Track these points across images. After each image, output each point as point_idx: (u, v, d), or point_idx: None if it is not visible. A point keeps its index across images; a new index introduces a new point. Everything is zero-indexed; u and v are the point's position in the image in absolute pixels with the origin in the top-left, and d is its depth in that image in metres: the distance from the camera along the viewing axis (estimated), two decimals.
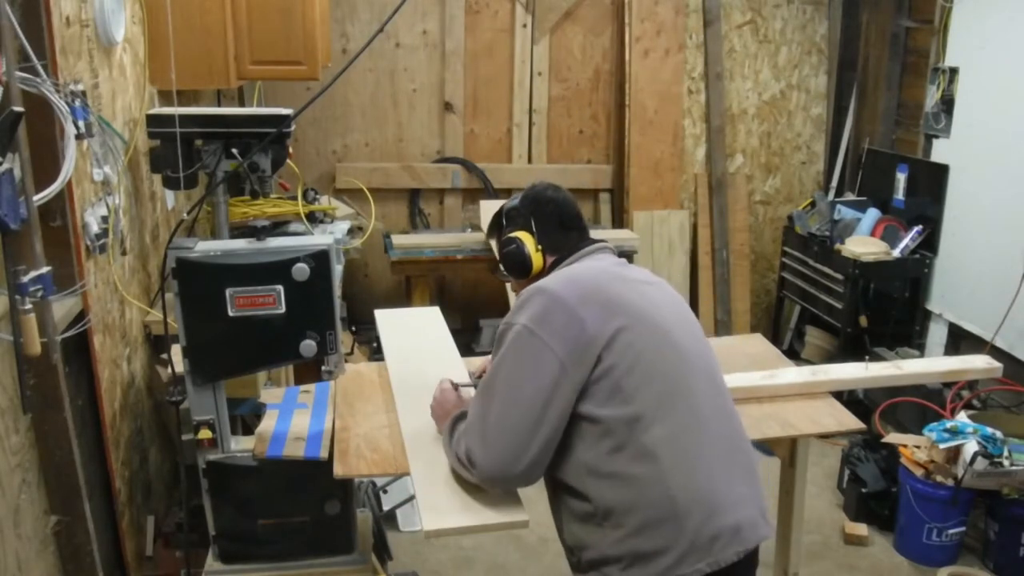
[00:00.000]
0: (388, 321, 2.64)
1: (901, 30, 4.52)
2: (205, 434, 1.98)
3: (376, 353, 4.00)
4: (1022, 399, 3.53)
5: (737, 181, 5.05)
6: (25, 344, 1.65)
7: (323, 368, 1.99)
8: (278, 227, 3.46)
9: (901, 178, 4.38)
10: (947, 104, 4.08)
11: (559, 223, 1.82)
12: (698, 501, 1.50)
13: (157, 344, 2.79)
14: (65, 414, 1.99)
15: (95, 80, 2.37)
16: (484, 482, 1.62)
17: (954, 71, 4.03)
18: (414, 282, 4.39)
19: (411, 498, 3.28)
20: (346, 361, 2.14)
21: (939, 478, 3.06)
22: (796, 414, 2.20)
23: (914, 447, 3.19)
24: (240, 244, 1.93)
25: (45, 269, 1.71)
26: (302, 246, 1.92)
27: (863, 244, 4.15)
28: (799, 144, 5.15)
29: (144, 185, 2.85)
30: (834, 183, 5.08)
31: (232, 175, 2.62)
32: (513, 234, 1.82)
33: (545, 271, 1.79)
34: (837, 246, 4.22)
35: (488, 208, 4.30)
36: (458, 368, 2.28)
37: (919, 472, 3.11)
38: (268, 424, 2.14)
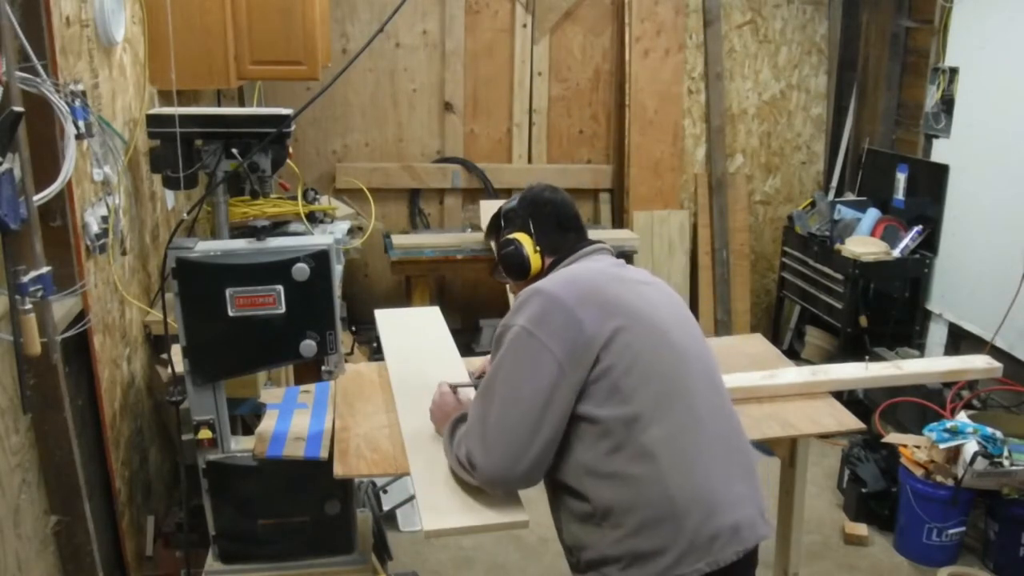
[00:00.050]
0: (388, 321, 2.64)
1: (901, 30, 4.52)
2: (205, 434, 1.98)
3: (376, 353, 4.00)
4: (1022, 399, 3.53)
5: (737, 181, 5.06)
6: (25, 344, 1.66)
7: (323, 368, 1.99)
8: (278, 227, 3.46)
9: (901, 178, 4.38)
10: (947, 104, 4.08)
11: (557, 224, 1.82)
12: (697, 501, 1.50)
13: (157, 344, 2.79)
14: (65, 414, 1.99)
15: (95, 80, 2.37)
16: (485, 485, 1.62)
17: (954, 71, 4.03)
18: (414, 282, 4.40)
19: (411, 498, 3.29)
20: (346, 361, 2.14)
21: (939, 478, 3.06)
22: (796, 414, 2.20)
23: (914, 447, 3.19)
24: (240, 244, 1.93)
25: (45, 269, 1.71)
26: (302, 246, 1.92)
27: (863, 244, 4.15)
28: (799, 144, 5.15)
29: (144, 185, 2.85)
30: (834, 183, 5.08)
31: (232, 175, 2.62)
32: (511, 236, 1.82)
33: (543, 272, 1.79)
34: (837, 246, 4.22)
35: (488, 208, 4.30)
36: (458, 368, 2.28)
37: (919, 472, 3.11)
38: (268, 424, 2.14)
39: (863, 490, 3.38)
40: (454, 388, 1.95)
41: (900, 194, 4.39)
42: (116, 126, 2.53)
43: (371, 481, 3.18)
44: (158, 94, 3.05)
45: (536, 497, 1.67)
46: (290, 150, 2.65)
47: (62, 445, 2.01)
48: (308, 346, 1.91)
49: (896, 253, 4.14)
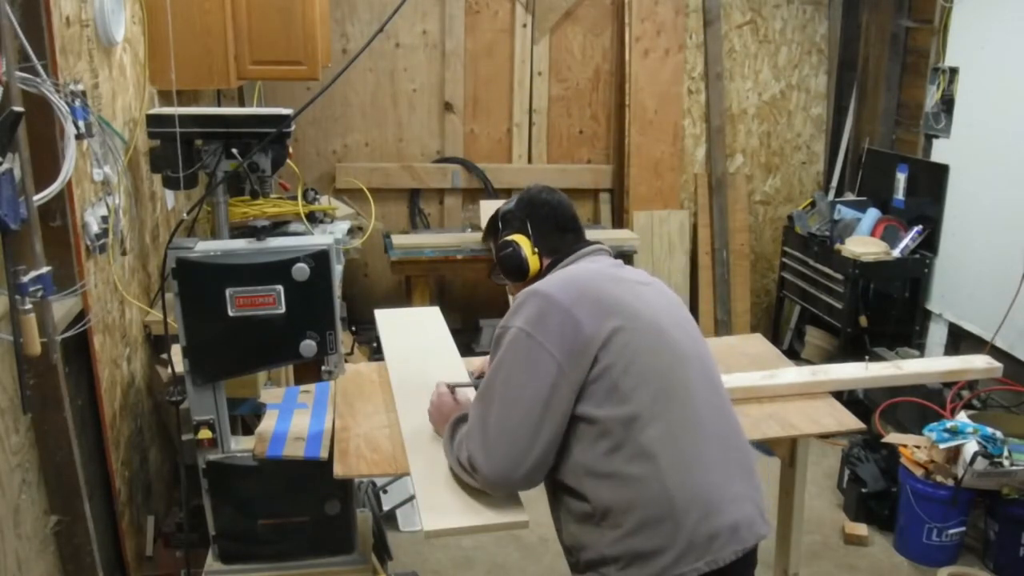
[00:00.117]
0: (388, 321, 2.64)
1: (901, 30, 4.52)
2: (205, 434, 1.98)
3: (376, 353, 3.99)
4: (1022, 399, 3.53)
5: (737, 181, 5.06)
6: (25, 344, 1.65)
7: (323, 368, 1.99)
8: (278, 227, 3.46)
9: (901, 178, 4.38)
10: (947, 104, 4.08)
11: (555, 225, 1.82)
12: (696, 500, 1.50)
13: (157, 344, 2.79)
14: (65, 414, 1.99)
15: (95, 80, 2.37)
16: (487, 487, 1.62)
17: (954, 71, 4.03)
18: (414, 282, 4.40)
19: (411, 498, 3.29)
20: (346, 361, 2.14)
21: (939, 478, 3.06)
22: (796, 414, 2.20)
23: (914, 447, 3.19)
24: (240, 244, 1.93)
25: (45, 269, 1.71)
26: (302, 246, 1.92)
27: (863, 244, 4.15)
28: (799, 144, 5.15)
29: (144, 185, 2.85)
30: (834, 183, 5.08)
31: (232, 175, 2.62)
32: (509, 237, 1.82)
33: (542, 273, 1.79)
34: (837, 246, 4.22)
35: (488, 208, 4.29)
36: (458, 368, 2.28)
37: (919, 472, 3.11)
38: (268, 424, 2.14)
39: (863, 490, 3.38)
40: (451, 388, 1.95)
41: (900, 194, 4.39)
42: (116, 126, 2.53)
43: (371, 481, 3.18)
44: (158, 94, 3.05)
45: (536, 497, 1.67)
46: (290, 150, 2.65)
47: (62, 445, 2.01)
48: (308, 346, 1.91)
49: (896, 253, 4.14)
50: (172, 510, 2.76)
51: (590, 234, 1.91)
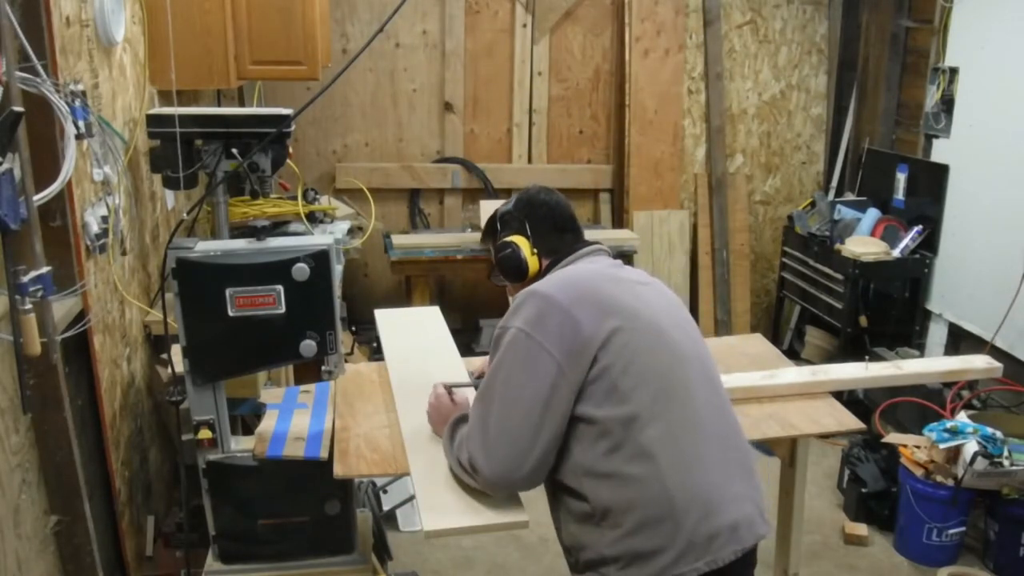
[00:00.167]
0: (388, 321, 2.64)
1: (901, 30, 4.52)
2: (205, 434, 1.98)
3: (376, 353, 4.00)
4: (1022, 399, 3.53)
5: (737, 181, 5.06)
6: (25, 344, 1.65)
7: (323, 368, 1.99)
8: (278, 227, 3.46)
9: (901, 178, 4.38)
10: (947, 104, 4.08)
11: (553, 226, 1.82)
12: (695, 500, 1.50)
13: (157, 344, 2.80)
14: (65, 414, 1.99)
15: (95, 80, 2.37)
16: (488, 488, 1.62)
17: (954, 71, 4.03)
18: (414, 282, 4.40)
19: (411, 498, 3.29)
20: (346, 361, 2.14)
21: (939, 478, 3.06)
22: (796, 414, 2.20)
23: (914, 447, 3.19)
24: (240, 244, 1.93)
25: (45, 269, 1.72)
26: (302, 246, 1.92)
27: (863, 244, 4.15)
28: (799, 144, 5.15)
29: (144, 185, 2.85)
30: (834, 183, 5.08)
31: (232, 175, 2.62)
32: (508, 238, 1.82)
33: (541, 274, 1.79)
34: (837, 246, 4.22)
35: (488, 208, 4.29)
36: (458, 368, 2.28)
37: (919, 472, 3.11)
38: (268, 424, 2.14)
39: (863, 490, 3.38)
40: (449, 389, 1.95)
41: (900, 194, 4.39)
42: (116, 126, 2.53)
43: (371, 481, 3.18)
44: (158, 94, 3.05)
45: (536, 497, 1.68)
46: (290, 150, 2.65)
47: (62, 445, 2.01)
48: (308, 346, 1.91)
49: (896, 253, 4.14)
50: (172, 510, 2.76)
51: (590, 234, 1.91)
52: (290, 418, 2.17)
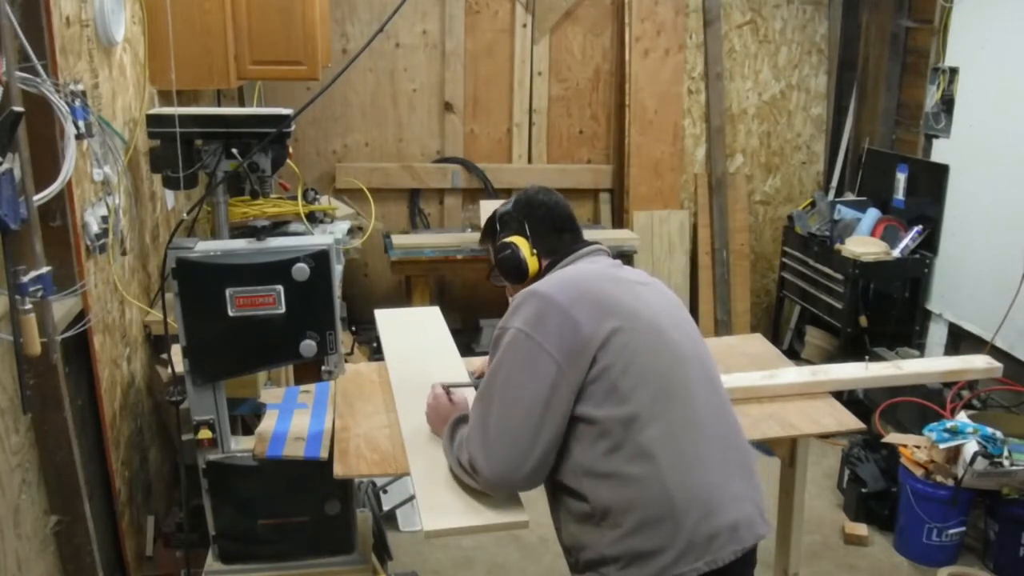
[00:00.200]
0: (388, 321, 2.64)
1: (901, 30, 4.52)
2: (205, 434, 1.98)
3: (376, 353, 4.00)
4: (1022, 399, 3.53)
5: (737, 181, 5.06)
6: (25, 344, 1.66)
7: (323, 368, 1.99)
8: (278, 227, 3.46)
9: (901, 178, 4.38)
10: (947, 104, 4.08)
11: (552, 226, 1.82)
12: (695, 500, 1.50)
13: (157, 344, 2.80)
14: (65, 414, 1.99)
15: (95, 80, 2.37)
16: (489, 488, 1.62)
17: (954, 71, 4.03)
18: (414, 282, 4.40)
19: (411, 498, 3.29)
20: (346, 361, 2.14)
21: (939, 478, 3.06)
22: (796, 414, 2.20)
23: (914, 447, 3.19)
24: (240, 244, 1.93)
25: (45, 269, 1.72)
26: (302, 246, 1.92)
27: (863, 244, 4.15)
28: (799, 144, 5.15)
29: (144, 185, 2.85)
30: (834, 183, 5.08)
31: (232, 175, 2.62)
32: (508, 239, 1.82)
33: (541, 274, 1.79)
34: (837, 246, 4.22)
35: (488, 208, 4.29)
36: (458, 368, 2.29)
37: (919, 472, 3.11)
38: (268, 424, 2.14)
39: (863, 490, 3.38)
40: (447, 389, 1.95)
41: (900, 194, 4.39)
42: (116, 126, 2.53)
43: (371, 481, 3.18)
44: (158, 94, 3.05)
45: (536, 497, 1.68)
46: (290, 150, 2.65)
47: (62, 445, 2.01)
48: (308, 346, 1.91)
49: (896, 253, 4.14)
50: (172, 510, 2.76)
51: (590, 234, 1.91)
52: (290, 418, 2.17)
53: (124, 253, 2.55)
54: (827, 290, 4.30)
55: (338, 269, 2.82)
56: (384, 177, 4.77)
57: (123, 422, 2.52)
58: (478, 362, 2.28)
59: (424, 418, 1.96)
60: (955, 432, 3.06)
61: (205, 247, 1.89)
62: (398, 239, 4.39)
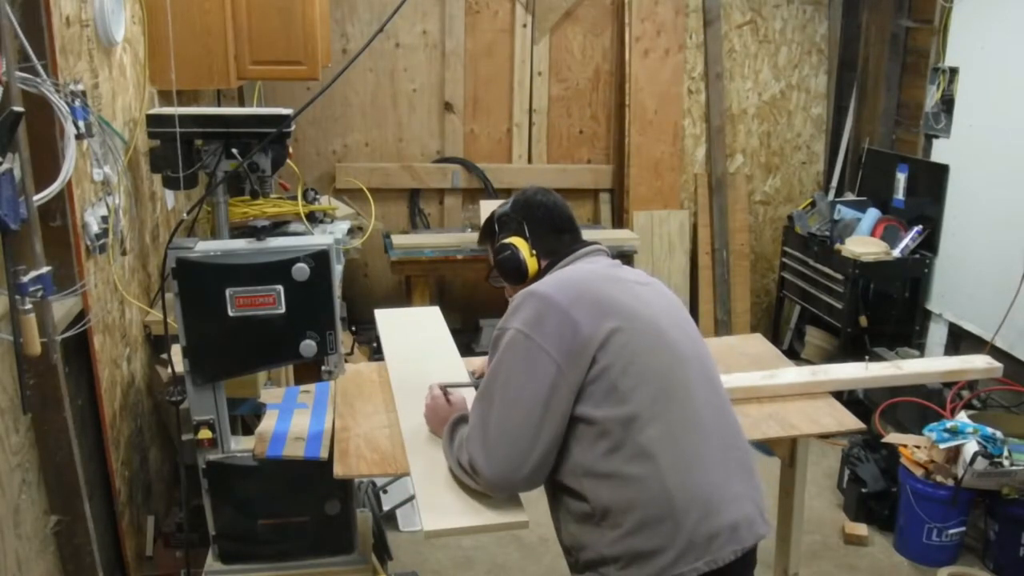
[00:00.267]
0: (388, 321, 2.65)
1: (901, 30, 4.52)
2: (205, 434, 1.98)
3: (376, 353, 3.99)
4: (1022, 399, 3.53)
5: (737, 181, 5.06)
6: (25, 344, 1.65)
7: (323, 368, 1.99)
8: (278, 227, 3.46)
9: (901, 178, 4.38)
10: (947, 104, 4.08)
11: (551, 226, 1.82)
12: (695, 500, 1.50)
13: (157, 344, 2.79)
14: (65, 414, 1.99)
15: (95, 80, 2.37)
16: (489, 489, 1.62)
17: (954, 71, 4.03)
18: (414, 282, 4.40)
19: (411, 498, 3.29)
20: (346, 361, 2.14)
21: (939, 478, 3.06)
22: (796, 414, 2.20)
23: (914, 447, 3.19)
24: (240, 244, 1.93)
25: (45, 269, 1.71)
26: (302, 246, 1.92)
27: (863, 244, 4.15)
28: (799, 144, 5.15)
29: (144, 185, 2.85)
30: (834, 183, 5.08)
31: (232, 175, 2.62)
32: (507, 240, 1.82)
33: (540, 275, 1.79)
34: (837, 246, 4.22)
35: (488, 208, 4.29)
36: (458, 368, 2.29)
37: (919, 472, 3.11)
38: (268, 424, 2.14)
39: (863, 490, 3.38)
40: (445, 389, 1.95)
41: (900, 194, 4.39)
42: (116, 126, 2.53)
43: (371, 481, 3.18)
44: (158, 94, 3.05)
45: (536, 497, 1.68)
46: (290, 150, 2.65)
47: (62, 445, 2.01)
48: (308, 346, 1.91)
49: (896, 253, 4.14)
50: (172, 510, 2.76)
51: (590, 234, 1.91)
52: (290, 418, 2.17)
53: (124, 253, 2.55)
54: (827, 290, 4.30)
55: (338, 269, 2.82)
56: (384, 177, 4.77)
57: (123, 422, 2.52)
58: (478, 362, 2.28)
59: (424, 418, 1.96)
60: (955, 432, 3.06)
61: (205, 247, 1.89)
62: (398, 239, 4.39)
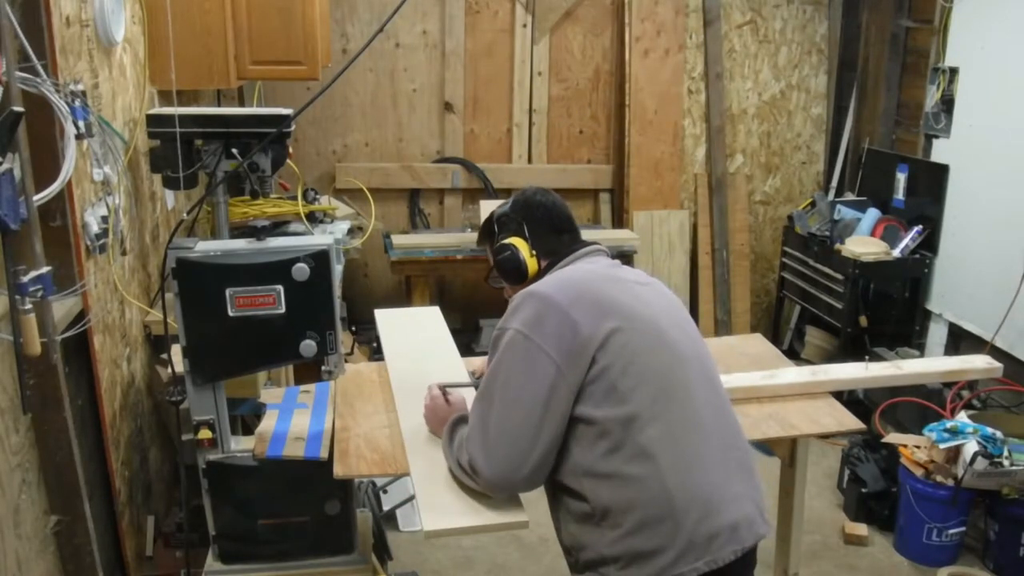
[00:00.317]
0: (388, 321, 2.65)
1: (901, 30, 4.52)
2: (205, 434, 1.98)
3: (376, 353, 4.00)
4: (1022, 399, 3.53)
5: (737, 181, 5.06)
6: (25, 344, 1.65)
7: (323, 368, 1.99)
8: (278, 227, 3.46)
9: (901, 178, 4.38)
10: (947, 104, 4.08)
11: (551, 227, 1.82)
12: (695, 500, 1.50)
13: (157, 344, 2.79)
14: (65, 414, 1.99)
15: (95, 80, 2.37)
16: (489, 489, 1.62)
17: (954, 71, 4.03)
18: (414, 282, 4.40)
19: (411, 498, 3.29)
20: (346, 361, 2.14)
21: (939, 478, 3.06)
22: (796, 414, 2.20)
23: (914, 447, 3.19)
24: (240, 244, 1.93)
25: (45, 269, 1.72)
26: (302, 246, 1.92)
27: (863, 244, 4.15)
28: (799, 144, 5.15)
29: (144, 185, 2.85)
30: (834, 183, 5.08)
31: (232, 175, 2.62)
32: (507, 240, 1.81)
33: (539, 275, 1.79)
34: (837, 246, 4.22)
35: (488, 208, 4.29)
36: (458, 368, 2.29)
37: (919, 472, 3.11)
38: (268, 424, 2.14)
39: (863, 490, 3.38)
40: (444, 389, 1.95)
41: (900, 194, 4.39)
42: (116, 126, 2.53)
43: (371, 481, 3.18)
44: (158, 94, 3.05)
45: (536, 497, 1.68)
46: (290, 150, 2.65)
47: (62, 445, 2.01)
48: (308, 346, 1.91)
49: (896, 253, 4.14)
50: (172, 510, 2.76)
51: (590, 234, 1.92)
52: (290, 418, 2.17)
53: (124, 253, 2.55)
54: (827, 290, 4.30)
55: (338, 269, 2.82)
56: (384, 177, 4.77)
57: (123, 422, 2.52)
58: (478, 362, 2.28)
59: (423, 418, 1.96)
60: (955, 432, 3.06)
61: (205, 247, 1.89)
62: (398, 239, 4.39)
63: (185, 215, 2.94)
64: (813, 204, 4.71)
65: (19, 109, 1.58)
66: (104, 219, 2.33)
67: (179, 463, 2.44)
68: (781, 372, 2.37)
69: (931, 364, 2.76)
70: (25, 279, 1.65)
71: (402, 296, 4.61)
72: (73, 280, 2.08)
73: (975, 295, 3.88)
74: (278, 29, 3.19)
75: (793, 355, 4.71)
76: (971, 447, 2.97)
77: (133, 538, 2.53)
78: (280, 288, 1.87)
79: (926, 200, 4.19)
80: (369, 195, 4.29)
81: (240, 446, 2.07)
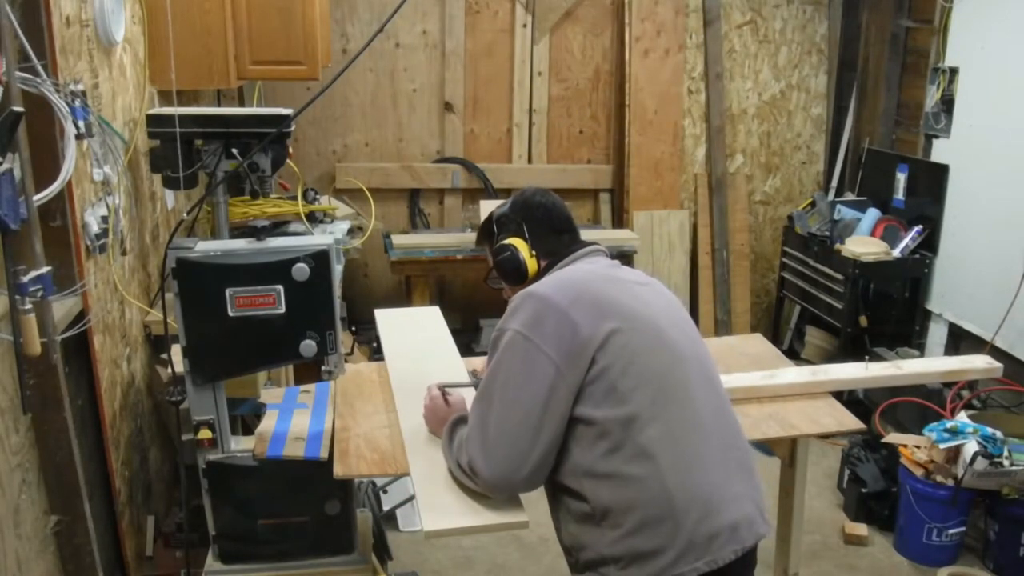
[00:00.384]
0: (388, 321, 2.65)
1: (901, 30, 4.52)
2: (205, 434, 1.98)
3: (376, 353, 4.00)
4: (1022, 399, 3.53)
5: (737, 181, 5.06)
6: (25, 344, 1.65)
7: (323, 368, 1.99)
8: (278, 227, 3.46)
9: (901, 178, 4.38)
10: (947, 104, 4.08)
11: (550, 227, 1.82)
12: (695, 500, 1.50)
13: (157, 344, 2.79)
14: (65, 414, 1.99)
15: (95, 80, 2.37)
16: (488, 490, 1.62)
17: (954, 71, 4.03)
18: (414, 282, 4.40)
19: (411, 498, 3.29)
20: (346, 361, 2.14)
21: (939, 478, 3.06)
22: (796, 414, 2.20)
23: (914, 447, 3.19)
24: (240, 244, 1.93)
25: (45, 269, 1.72)
26: (302, 246, 1.92)
27: (863, 244, 4.15)
28: (799, 144, 5.15)
29: (144, 185, 2.85)
30: (834, 183, 5.08)
31: (232, 175, 2.62)
32: (506, 241, 1.81)
33: (539, 275, 1.79)
34: (837, 246, 4.22)
35: (488, 208, 4.29)
36: (458, 368, 2.29)
37: (919, 472, 3.11)
38: (268, 424, 2.14)
39: (863, 490, 3.38)
40: (443, 390, 1.95)
41: (900, 194, 4.39)
42: (116, 126, 2.53)
43: (371, 481, 3.18)
44: (158, 94, 3.05)
45: (536, 497, 1.68)
46: (290, 150, 2.65)
47: (62, 445, 2.01)
48: (308, 346, 1.91)
49: (896, 253, 4.14)
50: (172, 510, 2.76)
51: (590, 234, 1.92)
52: (290, 418, 2.17)
53: (124, 253, 2.55)
54: (827, 290, 4.30)
55: (338, 269, 2.82)
56: (384, 177, 4.77)
57: (123, 422, 2.52)
58: (478, 362, 2.28)
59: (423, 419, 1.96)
60: (955, 432, 3.06)
61: (205, 247, 1.89)
62: (398, 239, 4.39)
63: (185, 215, 2.94)
64: (813, 204, 4.71)
65: (19, 109, 1.58)
66: (104, 219, 2.33)
67: (179, 463, 2.44)
68: (781, 372, 2.37)
69: (931, 364, 2.76)
70: (25, 279, 1.65)
71: (402, 296, 4.61)
72: (73, 280, 2.08)
73: (975, 295, 3.88)
74: (278, 29, 3.19)
75: (793, 355, 4.72)
76: (971, 447, 2.97)
77: (133, 538, 2.53)
78: (280, 288, 1.87)
79: (926, 200, 4.19)
80: (369, 195, 4.29)
81: (240, 446, 2.07)
